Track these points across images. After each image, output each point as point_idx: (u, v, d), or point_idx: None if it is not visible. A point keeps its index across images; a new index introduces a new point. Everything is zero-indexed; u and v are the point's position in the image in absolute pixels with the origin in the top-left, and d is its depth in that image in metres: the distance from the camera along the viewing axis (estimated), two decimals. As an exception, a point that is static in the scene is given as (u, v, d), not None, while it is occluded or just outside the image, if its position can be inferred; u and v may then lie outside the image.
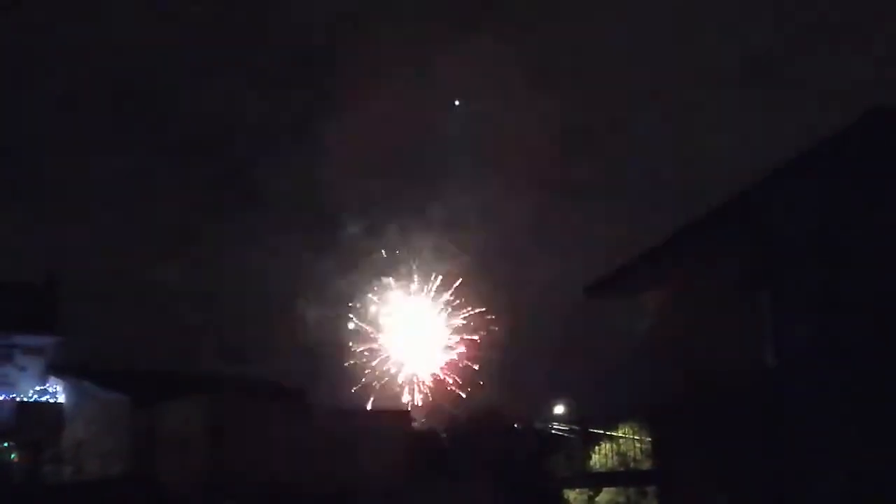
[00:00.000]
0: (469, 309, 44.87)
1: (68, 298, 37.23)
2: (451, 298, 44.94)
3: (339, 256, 46.56)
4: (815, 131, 14.74)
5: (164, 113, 71.12)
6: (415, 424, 35.96)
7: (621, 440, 32.23)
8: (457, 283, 44.88)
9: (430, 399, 44.33)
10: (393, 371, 44.73)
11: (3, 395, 33.36)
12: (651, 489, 27.80)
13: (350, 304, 44.58)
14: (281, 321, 46.34)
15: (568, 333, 42.76)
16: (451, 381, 44.58)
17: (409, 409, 41.68)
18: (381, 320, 44.95)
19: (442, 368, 44.75)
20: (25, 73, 71.12)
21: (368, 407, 41.70)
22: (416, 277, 45.04)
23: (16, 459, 31.09)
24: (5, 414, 32.82)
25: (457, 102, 45.04)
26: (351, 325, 44.49)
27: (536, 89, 69.65)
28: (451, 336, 45.00)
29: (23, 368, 34.41)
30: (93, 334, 41.12)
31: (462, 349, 44.90)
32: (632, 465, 31.17)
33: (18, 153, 70.67)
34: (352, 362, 44.23)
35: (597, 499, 31.89)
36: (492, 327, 44.66)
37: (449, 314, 45.05)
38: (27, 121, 70.68)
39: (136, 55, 74.38)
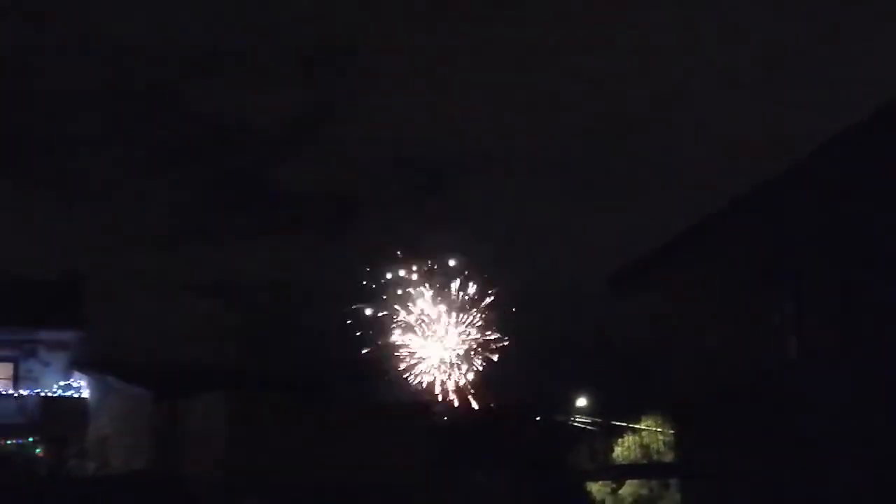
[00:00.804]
0: (491, 302, 44.85)
1: (92, 294, 37.43)
2: (473, 293, 44.92)
3: (359, 251, 46.65)
4: (835, 124, 14.59)
5: (175, 110, 71.48)
6: (437, 418, 35.97)
7: (644, 433, 32.16)
8: (479, 277, 44.87)
9: (453, 393, 44.33)
10: (414, 365, 44.76)
11: (28, 391, 33.57)
12: (674, 482, 27.72)
13: (369, 299, 44.63)
14: (299, 316, 46.52)
15: (590, 326, 42.67)
16: (472, 374, 44.55)
17: (431, 402, 41.69)
18: (402, 315, 44.97)
19: (464, 362, 44.72)
20: (39, 67, 71.59)
21: (390, 401, 41.71)
22: (436, 271, 45.03)
23: (41, 454, 31.30)
24: (31, 409, 33.01)
25: None
26: (371, 317, 44.54)
27: (553, 86, 69.64)
28: (473, 330, 44.98)
29: (47, 364, 34.60)
30: (116, 329, 41.39)
31: (484, 343, 44.87)
32: (655, 457, 31.10)
33: (43, 152, 71.19)
34: (371, 354, 44.30)
35: (620, 491, 31.84)
36: (514, 320, 44.64)
37: (470, 308, 45.02)
38: (44, 119, 71.22)
39: (146, 53, 74.68)
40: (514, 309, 44.18)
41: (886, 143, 14.08)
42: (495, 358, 44.63)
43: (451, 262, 44.64)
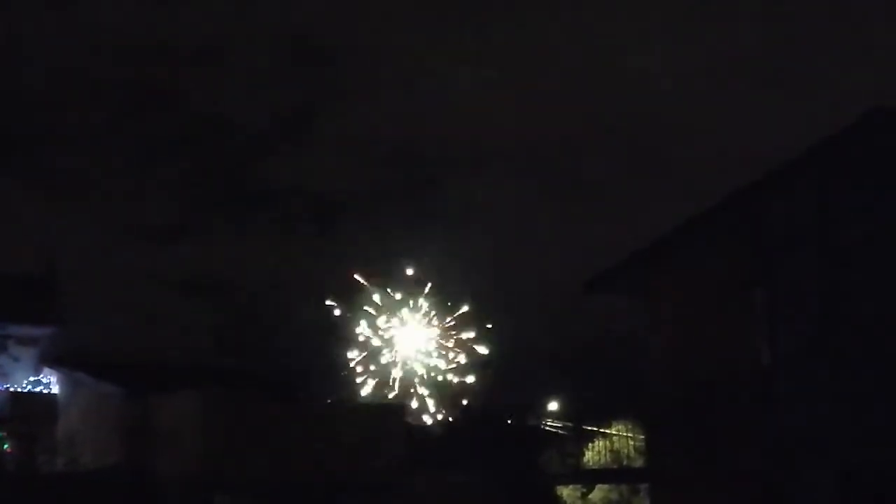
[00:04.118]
0: (466, 304, 44.87)
1: (64, 289, 37.15)
2: (449, 293, 44.92)
3: (336, 252, 46.60)
4: (815, 131, 14.74)
5: (163, 105, 71.01)
6: (409, 419, 35.94)
7: (615, 437, 32.27)
8: (454, 278, 44.91)
9: (425, 394, 44.33)
10: (388, 366, 44.70)
11: (-3, 386, 33.30)
12: (644, 487, 27.86)
13: (345, 300, 44.55)
14: (276, 315, 46.38)
15: (564, 330, 42.80)
16: (445, 376, 44.56)
17: (403, 403, 41.70)
18: (377, 316, 44.92)
19: (437, 363, 44.73)
20: (25, 64, 71.10)
21: (363, 401, 41.67)
22: (413, 273, 45.00)
23: (9, 450, 31.04)
24: (-1, 404, 32.76)
25: None
26: (345, 320, 44.48)
27: (538, 87, 69.82)
28: (448, 331, 44.98)
29: (17, 359, 34.28)
30: (88, 325, 41.07)
31: (457, 344, 44.88)
32: (625, 462, 31.22)
33: (16, 144, 70.59)
34: (347, 356, 44.22)
35: (590, 496, 31.95)
36: (487, 324, 44.66)
37: (446, 309, 45.03)
38: (26, 112, 70.65)
39: (135, 47, 74.27)
40: (481, 304, 44.22)
41: (865, 151, 14.25)
42: (468, 360, 44.64)
43: (435, 261, 44.60)
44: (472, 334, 44.68)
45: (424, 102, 68.79)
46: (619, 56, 67.31)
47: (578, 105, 64.64)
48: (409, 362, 44.84)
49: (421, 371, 44.77)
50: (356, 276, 44.57)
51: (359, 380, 43.79)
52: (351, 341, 44.44)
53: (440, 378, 44.58)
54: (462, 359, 44.70)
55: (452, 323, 44.95)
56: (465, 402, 42.43)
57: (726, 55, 63.73)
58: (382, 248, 45.20)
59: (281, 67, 72.55)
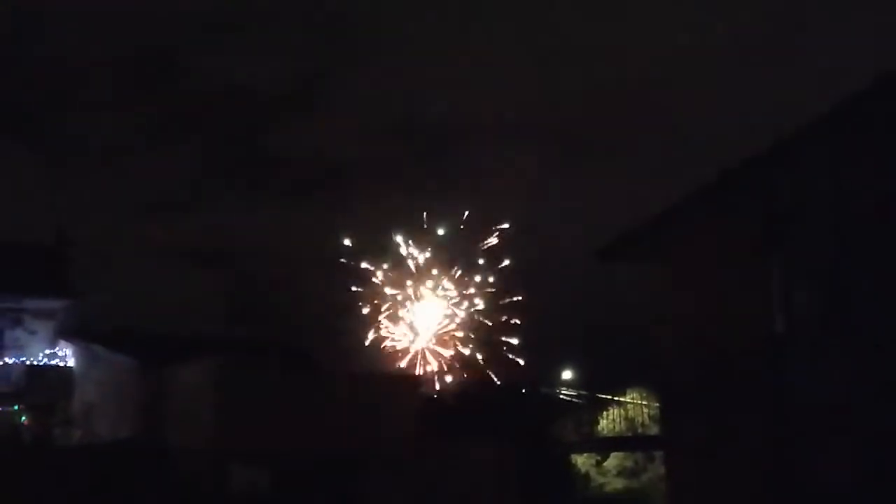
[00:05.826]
0: (480, 273, 44.82)
1: (79, 260, 37.23)
2: (464, 262, 44.88)
3: (351, 220, 46.55)
4: (828, 97, 14.53)
5: (174, 75, 70.97)
6: (424, 389, 36.02)
7: (629, 405, 32.29)
8: (471, 246, 44.86)
9: (440, 364, 44.38)
10: (404, 335, 44.74)
11: (14, 359, 33.48)
12: (658, 454, 27.88)
13: (361, 269, 44.53)
14: (292, 284, 46.46)
15: (577, 298, 42.74)
16: (460, 346, 44.58)
17: (419, 373, 41.77)
18: (393, 284, 44.91)
19: (451, 333, 44.73)
20: (37, 32, 71.00)
21: (378, 371, 41.77)
22: (429, 240, 44.93)
23: (26, 422, 31.26)
24: (15, 377, 32.93)
25: None
26: (362, 290, 44.49)
27: (556, 55, 69.43)
28: (463, 300, 44.94)
29: (33, 332, 34.46)
30: (103, 297, 41.23)
31: (472, 313, 44.86)
32: (640, 430, 31.25)
33: (29, 114, 70.66)
34: (361, 325, 44.26)
35: (604, 463, 32.03)
36: (504, 294, 44.62)
37: (460, 278, 44.98)
38: (38, 83, 70.66)
39: (147, 15, 74.11)
40: (496, 272, 44.19)
41: (877, 117, 14.07)
42: (484, 329, 44.63)
43: (451, 229, 44.55)
44: (488, 302, 44.69)
45: (437, 71, 68.58)
46: (628, 24, 66.93)
47: (594, 73, 64.37)
48: (425, 330, 44.89)
49: (437, 339, 44.80)
50: (371, 245, 44.57)
51: (376, 348, 43.88)
52: (368, 309, 44.49)
53: (455, 346, 44.61)
54: (479, 323, 44.68)
55: (469, 289, 44.91)
56: (480, 370, 42.50)
57: (743, 23, 63.27)
58: (393, 215, 45.15)
59: (292, 37, 72.38)
